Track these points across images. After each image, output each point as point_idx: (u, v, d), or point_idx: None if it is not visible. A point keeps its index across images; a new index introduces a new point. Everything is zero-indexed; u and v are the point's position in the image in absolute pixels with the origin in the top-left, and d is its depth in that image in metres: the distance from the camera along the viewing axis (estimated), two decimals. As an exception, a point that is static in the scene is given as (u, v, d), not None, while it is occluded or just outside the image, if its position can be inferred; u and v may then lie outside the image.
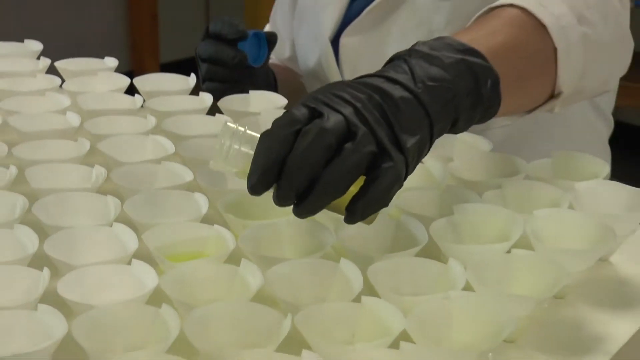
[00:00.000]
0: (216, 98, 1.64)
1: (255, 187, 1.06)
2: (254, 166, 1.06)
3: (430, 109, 1.15)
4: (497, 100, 1.26)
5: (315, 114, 1.10)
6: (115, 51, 4.95)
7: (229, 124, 1.07)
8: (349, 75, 1.92)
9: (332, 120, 1.08)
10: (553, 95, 1.43)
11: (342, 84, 1.19)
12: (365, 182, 1.08)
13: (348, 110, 1.10)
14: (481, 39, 1.28)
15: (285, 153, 1.06)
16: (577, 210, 1.11)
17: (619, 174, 1.39)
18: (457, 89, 1.21)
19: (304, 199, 1.07)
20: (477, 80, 1.23)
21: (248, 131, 1.08)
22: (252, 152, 1.06)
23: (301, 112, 1.09)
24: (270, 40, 1.79)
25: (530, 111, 1.46)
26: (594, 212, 1.10)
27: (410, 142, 1.12)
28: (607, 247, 1.07)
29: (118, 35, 5.10)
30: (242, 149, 1.08)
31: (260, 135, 1.07)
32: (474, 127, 1.42)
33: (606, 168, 1.21)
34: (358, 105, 1.11)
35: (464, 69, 1.24)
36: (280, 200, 1.08)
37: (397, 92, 1.15)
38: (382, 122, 1.12)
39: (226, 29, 1.58)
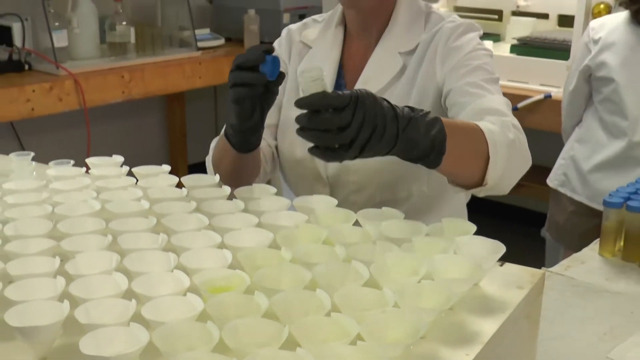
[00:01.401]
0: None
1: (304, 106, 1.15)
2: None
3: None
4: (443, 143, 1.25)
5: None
6: (160, 158, 4.97)
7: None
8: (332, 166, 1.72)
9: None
10: (481, 184, 1.41)
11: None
12: None
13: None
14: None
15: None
16: (459, 255, 1.12)
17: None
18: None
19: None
20: (431, 125, 1.24)
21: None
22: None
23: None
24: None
25: (464, 186, 1.44)
26: (469, 255, 1.10)
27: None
28: (478, 277, 1.08)
29: (162, 148, 5.09)
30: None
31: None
32: (394, 203, 1.44)
33: (474, 227, 1.20)
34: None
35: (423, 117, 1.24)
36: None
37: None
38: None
39: (248, 57, 1.38)
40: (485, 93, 1.60)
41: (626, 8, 2.79)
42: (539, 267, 1.59)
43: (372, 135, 1.16)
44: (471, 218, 1.59)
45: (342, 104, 1.14)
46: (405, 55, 1.73)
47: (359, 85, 1.70)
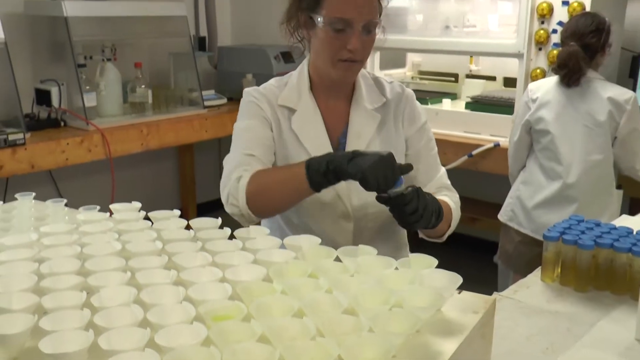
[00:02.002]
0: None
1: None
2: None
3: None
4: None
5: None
6: (173, 199, 4.96)
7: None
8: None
9: None
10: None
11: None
12: None
13: None
14: None
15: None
16: (423, 286, 1.11)
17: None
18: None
19: None
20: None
21: None
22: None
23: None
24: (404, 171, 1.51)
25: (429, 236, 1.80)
26: (432, 286, 1.10)
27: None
28: (439, 304, 1.07)
29: (175, 190, 5.08)
30: None
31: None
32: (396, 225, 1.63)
33: (435, 262, 1.20)
34: None
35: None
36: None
37: None
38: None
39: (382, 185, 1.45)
40: (439, 168, 1.87)
41: (556, 73, 2.84)
42: (493, 288, 1.60)
43: (429, 213, 1.53)
44: (436, 248, 1.69)
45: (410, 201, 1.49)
46: (377, 111, 1.78)
47: (351, 139, 1.76)
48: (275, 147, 1.77)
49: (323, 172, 1.49)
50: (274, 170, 1.70)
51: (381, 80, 1.85)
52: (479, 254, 4.04)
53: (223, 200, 1.67)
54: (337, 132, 1.78)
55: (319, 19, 1.62)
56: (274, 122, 1.77)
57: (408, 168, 1.53)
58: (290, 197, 1.61)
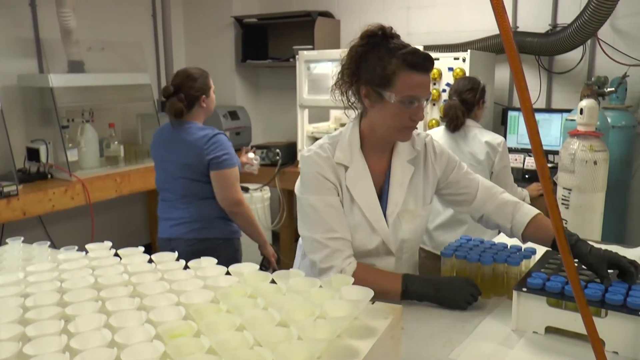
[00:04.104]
0: None
1: None
2: None
3: None
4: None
5: None
6: (143, 235, 4.87)
7: None
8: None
9: None
10: None
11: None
12: None
13: None
14: None
15: None
16: (342, 299, 1.09)
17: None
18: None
19: None
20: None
21: None
22: None
23: None
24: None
25: None
26: (349, 299, 1.08)
27: None
28: (355, 313, 1.06)
29: (144, 228, 4.97)
30: None
31: None
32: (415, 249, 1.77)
33: (352, 279, 1.17)
34: None
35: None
36: None
37: None
38: None
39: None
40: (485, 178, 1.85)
41: (442, 121, 2.94)
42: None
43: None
44: None
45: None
46: (410, 162, 1.72)
47: (394, 187, 1.68)
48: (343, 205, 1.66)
49: (414, 294, 1.55)
50: (373, 274, 1.60)
51: (414, 133, 1.73)
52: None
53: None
54: (380, 181, 1.69)
55: (389, 95, 1.54)
56: (335, 179, 1.64)
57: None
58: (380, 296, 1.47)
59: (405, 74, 1.51)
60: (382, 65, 1.53)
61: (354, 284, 1.15)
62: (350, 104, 1.66)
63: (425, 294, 1.54)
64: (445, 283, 1.57)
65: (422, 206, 1.73)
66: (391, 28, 1.58)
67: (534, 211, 1.68)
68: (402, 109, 1.55)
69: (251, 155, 3.21)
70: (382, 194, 1.68)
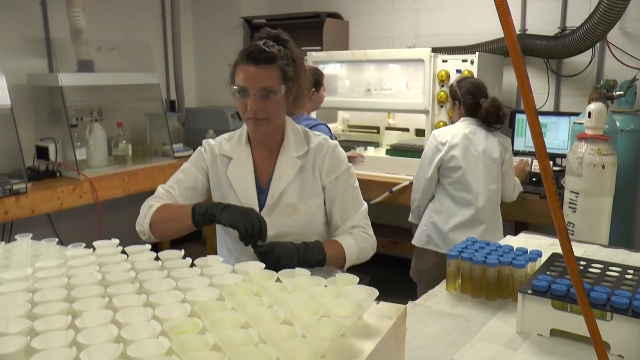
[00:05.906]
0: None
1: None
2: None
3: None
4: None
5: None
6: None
7: None
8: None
9: None
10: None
11: None
12: None
13: None
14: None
15: None
16: (346, 299, 1.10)
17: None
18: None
19: None
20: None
21: None
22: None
23: None
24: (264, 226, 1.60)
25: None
26: (353, 299, 1.09)
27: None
28: (360, 313, 1.07)
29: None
30: None
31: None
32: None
33: (357, 279, 1.19)
34: None
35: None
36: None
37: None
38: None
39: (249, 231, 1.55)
40: (356, 210, 1.83)
41: (484, 122, 3.00)
42: (411, 298, 1.62)
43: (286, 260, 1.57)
44: (366, 267, 1.71)
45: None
46: (299, 158, 1.80)
47: (275, 181, 1.78)
48: (213, 189, 1.84)
49: (202, 214, 1.62)
50: (173, 207, 1.75)
51: (310, 134, 1.86)
52: (400, 271, 4.05)
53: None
54: (267, 176, 1.80)
55: (233, 88, 1.70)
56: (212, 169, 1.84)
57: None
58: (180, 229, 1.69)
59: (239, 67, 1.68)
60: (235, 62, 1.71)
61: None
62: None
63: (213, 214, 1.61)
64: (232, 207, 1.61)
65: (305, 202, 1.78)
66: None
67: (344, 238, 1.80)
68: (240, 100, 1.69)
69: None
70: (267, 188, 1.79)
